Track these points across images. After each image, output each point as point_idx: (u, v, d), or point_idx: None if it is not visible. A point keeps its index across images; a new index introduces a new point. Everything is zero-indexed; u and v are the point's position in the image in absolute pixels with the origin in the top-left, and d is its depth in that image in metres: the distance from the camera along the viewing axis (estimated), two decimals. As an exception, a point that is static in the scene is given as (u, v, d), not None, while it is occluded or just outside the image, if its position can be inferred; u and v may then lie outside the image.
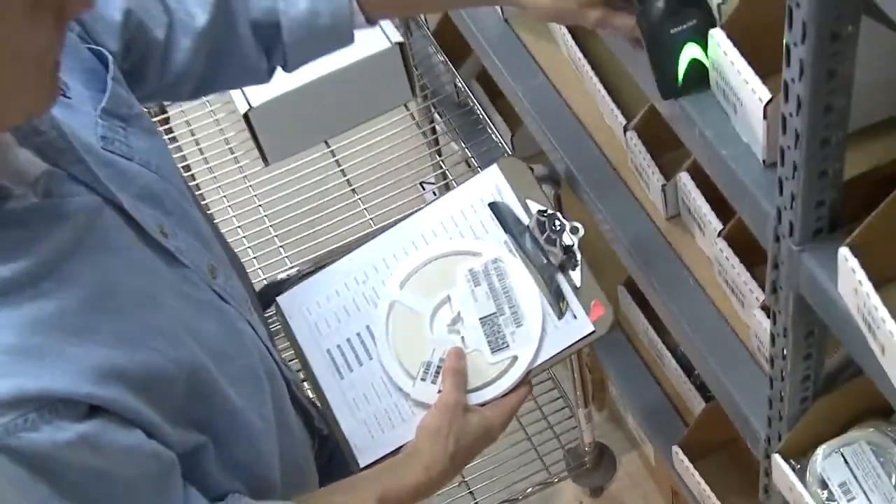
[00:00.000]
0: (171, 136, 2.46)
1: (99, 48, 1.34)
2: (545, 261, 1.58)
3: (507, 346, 1.56)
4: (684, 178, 1.68)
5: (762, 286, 1.55)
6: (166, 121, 2.46)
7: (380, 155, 2.44)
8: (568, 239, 1.58)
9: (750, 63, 1.21)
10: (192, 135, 2.51)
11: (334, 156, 2.46)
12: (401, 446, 1.54)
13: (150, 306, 1.22)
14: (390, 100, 2.29)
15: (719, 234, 1.61)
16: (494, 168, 1.66)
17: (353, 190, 2.41)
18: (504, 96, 2.17)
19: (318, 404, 1.65)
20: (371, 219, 2.31)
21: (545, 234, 1.58)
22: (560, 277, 1.58)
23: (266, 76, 1.56)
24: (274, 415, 1.44)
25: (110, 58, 1.33)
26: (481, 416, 1.51)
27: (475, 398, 1.54)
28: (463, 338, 1.58)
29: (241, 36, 1.50)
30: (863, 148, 1.21)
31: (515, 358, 1.55)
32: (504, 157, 1.68)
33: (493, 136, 2.37)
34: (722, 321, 1.69)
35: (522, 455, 2.66)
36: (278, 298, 1.70)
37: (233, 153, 2.51)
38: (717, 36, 1.24)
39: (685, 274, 1.75)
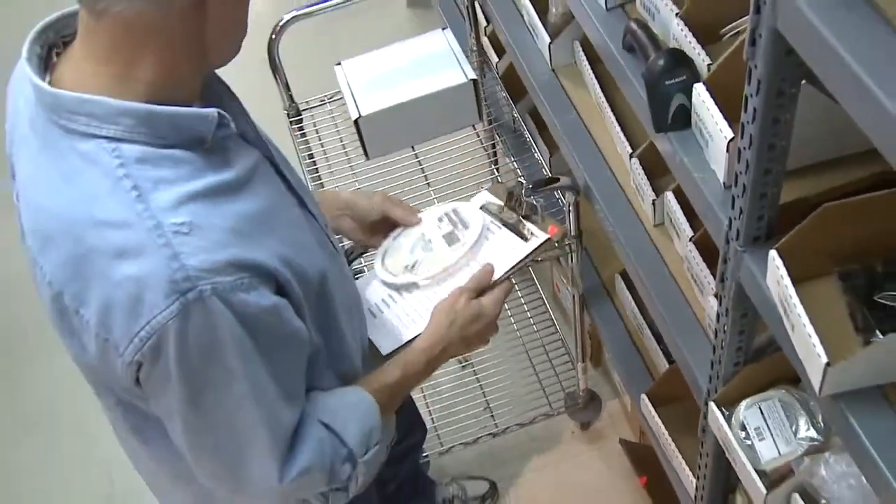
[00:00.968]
0: (301, 132, 2.49)
1: None
2: (514, 216, 1.73)
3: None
4: (669, 196, 1.70)
5: (715, 279, 1.58)
6: (300, 121, 2.50)
7: (451, 161, 2.47)
8: (527, 205, 1.74)
9: (720, 110, 1.24)
10: (317, 133, 2.54)
11: (417, 158, 2.50)
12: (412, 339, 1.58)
13: (299, 229, 1.27)
14: (463, 121, 2.29)
15: (690, 239, 1.63)
16: (483, 192, 1.83)
17: (427, 184, 2.45)
18: (546, 127, 2.18)
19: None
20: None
21: (510, 203, 1.76)
22: (525, 223, 1.73)
23: None
24: (360, 335, 1.49)
25: None
26: (477, 303, 1.55)
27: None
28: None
29: None
30: (798, 182, 1.23)
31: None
32: (491, 185, 1.86)
33: (536, 155, 2.39)
34: (686, 304, 1.70)
35: (533, 392, 2.69)
36: None
37: (344, 148, 2.55)
38: (699, 89, 1.27)
39: (663, 268, 1.77)
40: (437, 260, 1.72)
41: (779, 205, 1.18)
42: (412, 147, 2.46)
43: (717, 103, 1.25)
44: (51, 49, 1.16)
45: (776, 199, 1.17)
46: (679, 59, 1.36)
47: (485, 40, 2.60)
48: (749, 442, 1.43)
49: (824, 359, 1.03)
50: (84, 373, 1.24)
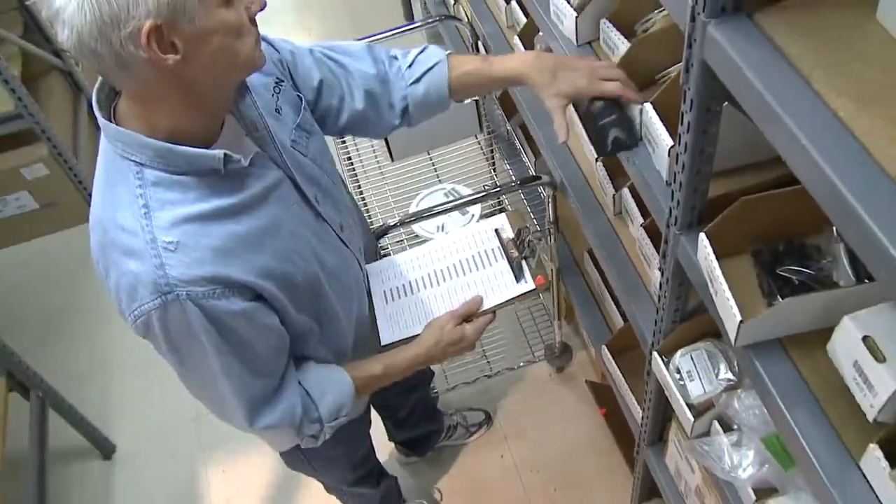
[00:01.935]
0: (343, 142, 2.50)
1: (300, 94, 1.38)
2: (515, 254, 1.62)
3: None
4: (625, 192, 1.71)
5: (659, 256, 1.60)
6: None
7: (458, 163, 2.49)
8: (529, 246, 1.63)
9: (663, 123, 1.26)
10: (354, 142, 2.56)
11: (431, 160, 2.51)
12: (410, 337, 1.53)
13: (296, 240, 1.27)
14: (468, 132, 2.30)
15: (641, 225, 1.64)
16: (501, 215, 1.73)
17: (439, 180, 2.46)
18: (532, 138, 2.18)
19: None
20: (444, 188, 2.38)
21: (518, 240, 1.64)
22: (523, 262, 1.61)
23: (393, 130, 1.56)
24: (356, 316, 1.49)
25: (304, 101, 1.37)
26: (461, 328, 1.49)
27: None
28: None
29: (383, 115, 1.51)
30: (723, 181, 1.24)
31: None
32: (507, 212, 1.72)
33: (524, 159, 2.40)
34: (637, 276, 1.72)
35: (520, 344, 2.72)
36: (365, 268, 1.67)
37: (374, 153, 2.57)
38: (647, 107, 1.28)
39: (621, 248, 1.78)
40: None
41: (707, 198, 1.19)
42: (427, 152, 2.47)
43: (661, 119, 1.26)
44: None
45: (705, 194, 1.18)
46: (613, 103, 1.37)
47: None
48: (682, 382, 1.45)
49: (739, 317, 1.05)
50: None
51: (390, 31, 2.23)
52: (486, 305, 1.56)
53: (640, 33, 1.48)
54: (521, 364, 2.69)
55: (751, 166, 1.27)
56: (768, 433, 1.31)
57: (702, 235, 1.13)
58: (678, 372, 1.46)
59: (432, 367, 2.17)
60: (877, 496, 0.97)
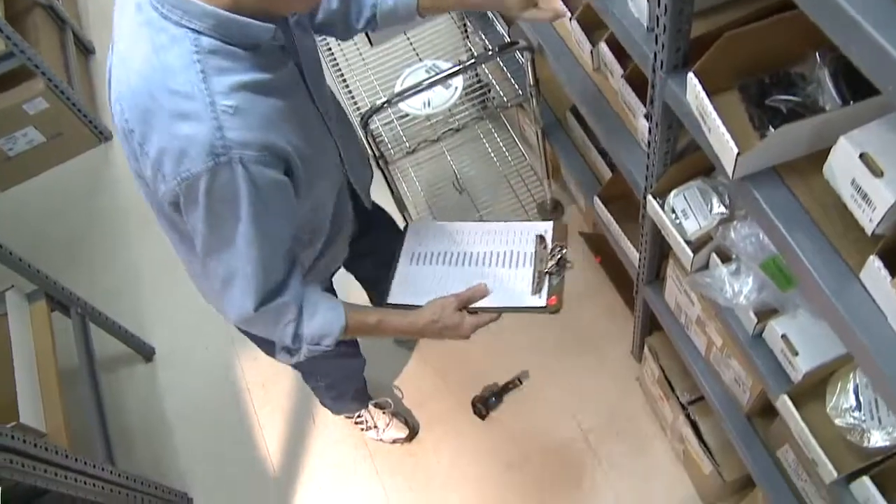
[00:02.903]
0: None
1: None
2: (544, 267, 1.51)
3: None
4: (603, 46, 1.62)
5: (644, 104, 1.52)
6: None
7: (434, 40, 2.38)
8: (559, 265, 1.51)
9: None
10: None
11: (409, 40, 2.39)
12: (414, 305, 1.45)
13: (310, 125, 1.26)
14: (441, 9, 2.18)
15: (622, 76, 1.56)
16: (549, 223, 1.62)
17: (419, 58, 2.35)
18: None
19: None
20: (425, 66, 2.28)
21: (552, 255, 1.53)
22: (546, 277, 1.49)
23: (356, 34, 1.56)
24: (337, 198, 1.46)
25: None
26: (461, 315, 1.41)
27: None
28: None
29: (351, 20, 1.50)
30: (702, 21, 1.16)
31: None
32: (555, 222, 1.62)
33: (498, 28, 2.28)
34: (623, 125, 1.65)
35: (513, 205, 2.65)
36: (409, 224, 1.65)
37: (353, 40, 2.44)
38: (622, -45, 1.19)
39: (603, 101, 1.70)
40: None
41: (690, 38, 1.12)
42: (404, 33, 2.34)
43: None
44: None
45: (688, 35, 1.11)
46: None
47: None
48: (678, 221, 1.41)
49: (736, 150, 1.00)
50: (144, 196, 1.25)
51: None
52: (494, 303, 1.46)
53: None
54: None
55: (724, 5, 1.19)
56: (765, 259, 1.27)
57: (690, 75, 1.06)
58: (673, 211, 1.41)
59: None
60: (877, 305, 0.94)
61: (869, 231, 0.94)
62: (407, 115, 2.26)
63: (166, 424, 2.60)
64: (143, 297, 2.90)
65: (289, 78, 1.22)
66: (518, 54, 2.02)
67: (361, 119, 1.91)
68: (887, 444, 1.17)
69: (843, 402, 1.24)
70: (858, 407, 1.22)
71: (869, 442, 1.19)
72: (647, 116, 1.35)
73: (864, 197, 0.91)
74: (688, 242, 1.39)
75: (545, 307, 1.45)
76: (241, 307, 1.24)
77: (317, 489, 2.39)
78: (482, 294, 1.46)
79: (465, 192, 2.73)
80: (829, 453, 1.21)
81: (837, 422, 1.23)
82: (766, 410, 1.59)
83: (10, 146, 3.26)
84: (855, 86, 1.06)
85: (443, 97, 2.18)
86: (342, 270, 1.79)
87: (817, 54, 1.08)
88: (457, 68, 1.91)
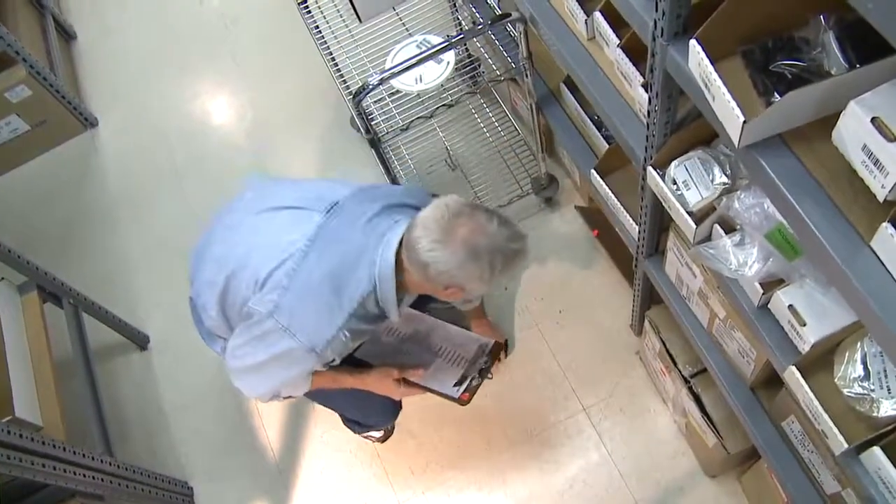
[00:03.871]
0: (307, 11, 2.33)
1: None
2: (471, 373, 1.89)
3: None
4: (597, 15, 1.58)
5: (642, 74, 1.49)
6: (306, 4, 2.33)
7: (423, 14, 2.33)
8: (481, 374, 1.89)
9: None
10: (320, 9, 2.39)
11: (398, 14, 2.34)
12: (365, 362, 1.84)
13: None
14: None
15: (618, 45, 1.53)
16: (492, 341, 1.98)
17: (409, 33, 2.30)
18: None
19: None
20: (415, 41, 2.25)
21: (482, 364, 1.91)
22: (469, 380, 1.86)
23: None
24: None
25: None
26: (397, 384, 1.78)
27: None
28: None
29: None
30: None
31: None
32: (495, 343, 1.98)
33: (489, 1, 2.25)
34: (619, 96, 1.61)
35: (508, 181, 2.63)
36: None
37: (342, 18, 2.40)
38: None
39: (599, 71, 1.66)
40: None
41: (692, 4, 1.08)
42: (393, 8, 2.29)
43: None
44: None
45: (689, 1, 1.07)
46: None
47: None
48: (679, 192, 1.38)
49: (742, 118, 0.97)
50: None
51: None
52: (423, 382, 1.81)
53: None
54: (512, 200, 2.60)
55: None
56: (770, 228, 1.25)
57: (693, 42, 1.03)
58: (674, 182, 1.38)
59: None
60: (889, 273, 0.92)
61: (881, 197, 0.91)
62: (398, 91, 2.22)
63: (164, 413, 2.57)
64: (135, 284, 2.86)
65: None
66: (510, 27, 1.98)
67: (353, 98, 1.87)
68: (898, 413, 1.16)
69: (852, 372, 1.22)
70: (867, 376, 1.20)
71: (879, 411, 1.18)
72: (646, 86, 1.32)
73: (876, 163, 0.89)
74: (690, 214, 1.36)
75: (457, 399, 1.82)
76: (256, 397, 1.71)
77: (318, 473, 2.37)
78: (418, 376, 1.81)
79: (458, 168, 2.69)
80: (839, 424, 1.19)
81: (846, 392, 1.21)
82: (771, 382, 1.58)
83: (-7, 136, 3.20)
84: (860, 49, 1.03)
85: (434, 72, 2.14)
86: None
87: (821, 17, 1.05)
88: (448, 42, 1.87)
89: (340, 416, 2.22)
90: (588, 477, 2.20)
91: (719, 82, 0.99)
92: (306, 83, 3.14)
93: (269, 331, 1.47)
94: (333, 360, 1.56)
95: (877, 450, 1.14)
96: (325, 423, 2.43)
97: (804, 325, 1.24)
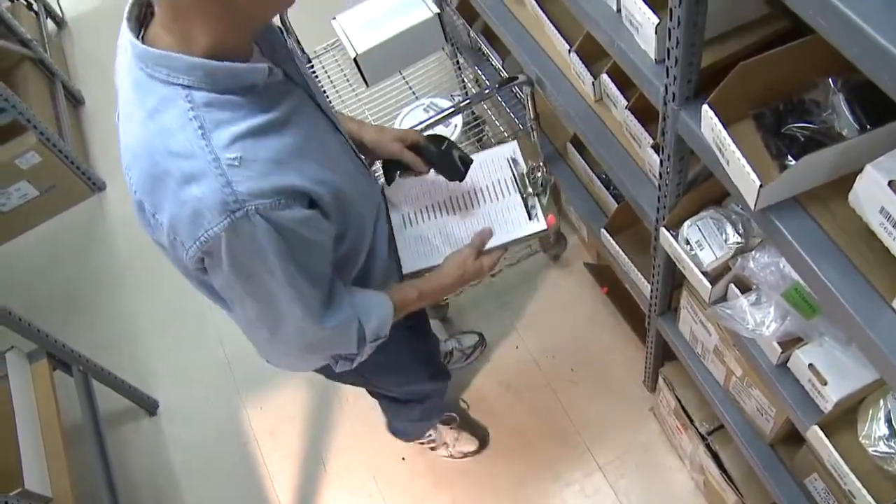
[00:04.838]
0: (314, 74, 2.37)
1: None
2: (529, 190, 1.59)
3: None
4: (605, 77, 1.61)
5: (651, 135, 1.50)
6: (311, 66, 2.38)
7: (429, 77, 2.37)
8: (542, 184, 1.59)
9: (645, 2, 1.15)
10: (326, 73, 2.43)
11: (404, 78, 2.39)
12: (431, 267, 1.52)
13: (333, 150, 1.22)
14: (434, 46, 2.15)
15: (626, 107, 1.55)
16: (514, 143, 1.67)
17: (416, 97, 2.34)
18: (497, 38, 2.05)
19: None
20: (422, 104, 2.26)
21: (531, 176, 1.60)
22: (535, 200, 1.58)
23: None
24: (374, 222, 1.41)
25: None
26: (480, 262, 1.49)
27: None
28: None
29: None
30: (711, 49, 1.14)
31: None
32: (520, 137, 1.66)
33: (493, 62, 2.28)
34: (628, 156, 1.63)
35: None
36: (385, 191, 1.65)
37: (348, 82, 2.43)
38: (627, -10, 1.17)
39: (607, 132, 1.68)
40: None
41: (700, 69, 1.10)
42: (399, 71, 2.33)
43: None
44: (145, 9, 1.09)
45: (699, 66, 1.09)
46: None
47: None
48: (693, 252, 1.38)
49: (758, 182, 0.97)
50: (172, 262, 1.21)
51: None
52: (500, 240, 1.53)
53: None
54: (521, 259, 2.61)
55: (730, 33, 1.17)
56: (787, 287, 1.24)
57: (705, 107, 1.04)
58: (687, 243, 1.38)
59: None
60: (913, 332, 0.91)
61: (902, 259, 0.91)
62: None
63: (174, 479, 2.54)
64: (143, 349, 2.85)
65: (299, 106, 1.16)
66: (516, 88, 2.01)
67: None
68: (926, 473, 1.14)
69: (876, 431, 1.21)
70: (892, 434, 1.19)
71: (906, 471, 1.16)
72: (657, 148, 1.34)
73: (895, 224, 0.89)
74: (705, 274, 1.36)
75: (546, 229, 1.55)
76: (298, 344, 1.25)
77: (331, 539, 2.33)
78: (489, 236, 1.53)
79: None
80: (867, 484, 1.17)
81: (871, 451, 1.20)
82: (791, 438, 1.56)
83: (3, 201, 3.23)
84: (870, 110, 1.05)
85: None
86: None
87: (830, 80, 1.07)
88: (454, 108, 1.89)
89: (390, 426, 2.15)
90: (606, 538, 2.16)
91: (734, 147, 1.00)
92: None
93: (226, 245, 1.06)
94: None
95: (906, 511, 1.12)
96: (337, 485, 2.40)
97: (825, 383, 1.23)
